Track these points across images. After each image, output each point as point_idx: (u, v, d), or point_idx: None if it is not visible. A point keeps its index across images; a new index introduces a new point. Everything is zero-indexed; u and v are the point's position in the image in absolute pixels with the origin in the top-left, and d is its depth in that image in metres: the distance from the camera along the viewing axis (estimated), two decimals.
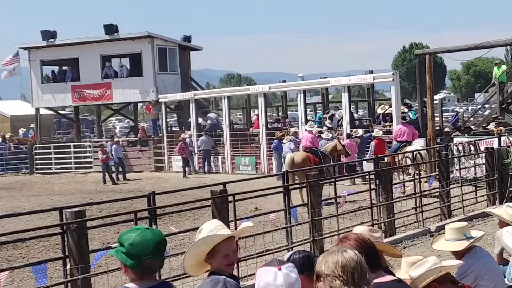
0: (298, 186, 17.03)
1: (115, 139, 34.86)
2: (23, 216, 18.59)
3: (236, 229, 10.64)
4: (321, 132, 26.21)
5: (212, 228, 4.44)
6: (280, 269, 3.69)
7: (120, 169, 33.27)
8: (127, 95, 38.80)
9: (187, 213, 18.23)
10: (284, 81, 37.16)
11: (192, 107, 34.82)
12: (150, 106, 37.11)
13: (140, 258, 3.84)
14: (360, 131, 26.61)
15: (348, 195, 15.32)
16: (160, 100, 36.71)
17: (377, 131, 24.80)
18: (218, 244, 4.40)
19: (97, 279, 10.23)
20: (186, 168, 32.30)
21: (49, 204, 23.88)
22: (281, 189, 13.22)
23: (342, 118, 28.86)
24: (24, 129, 45.02)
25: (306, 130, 23.95)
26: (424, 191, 16.60)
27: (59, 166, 39.15)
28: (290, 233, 12.68)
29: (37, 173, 38.72)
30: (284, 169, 20.01)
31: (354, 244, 4.32)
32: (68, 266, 9.30)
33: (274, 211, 12.96)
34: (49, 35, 40.08)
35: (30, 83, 41.14)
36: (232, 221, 11.39)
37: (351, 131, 26.71)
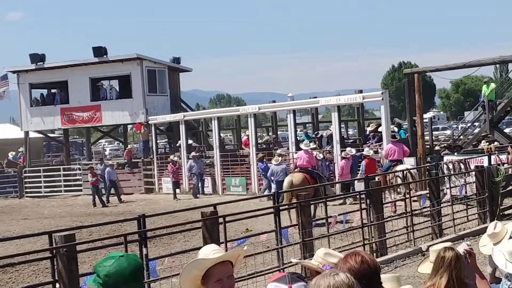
0: (288, 207, 16.97)
1: (109, 162, 34.75)
2: (12, 240, 18.44)
3: (227, 250, 10.60)
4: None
5: (206, 252, 4.36)
6: None
7: (113, 191, 33.15)
8: (117, 117, 38.74)
9: (178, 235, 18.18)
10: (274, 101, 37.21)
11: (182, 128, 34.78)
12: (141, 125, 37.03)
13: None
14: (353, 150, 26.60)
15: (345, 221, 15.24)
16: (150, 122, 36.67)
17: (367, 150, 24.84)
18: (211, 269, 4.30)
19: None
20: (177, 190, 32.19)
21: (39, 228, 23.75)
22: (272, 210, 13.18)
23: (328, 137, 28.97)
24: (14, 153, 44.78)
25: (302, 149, 23.54)
26: (415, 210, 16.59)
27: (48, 189, 38.97)
28: (281, 254, 12.63)
29: (27, 196, 38.55)
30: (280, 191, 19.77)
31: (359, 264, 4.23)
32: None
33: (265, 232, 12.91)
34: (37, 58, 40.06)
35: (19, 107, 41.02)
36: (222, 242, 11.34)
37: (342, 150, 26.71)
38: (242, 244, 11.78)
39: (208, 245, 4.65)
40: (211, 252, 4.36)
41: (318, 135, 30.99)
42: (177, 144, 35.85)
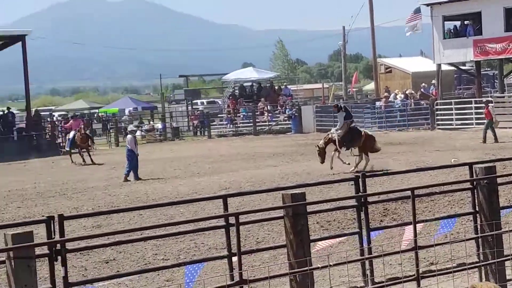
0: None
1: None
2: (427, 171, 18.94)
3: None
4: None
5: None
6: None
7: None
8: None
9: None
10: None
11: None
12: None
13: None
14: None
15: None
16: None
17: None
18: None
19: (505, 237, 9.92)
20: None
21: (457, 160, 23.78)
22: None
23: None
24: (425, 85, 45.77)
25: None
26: None
27: (460, 122, 39.14)
28: None
29: (438, 128, 39.19)
30: None
31: None
32: (479, 221, 9.26)
33: None
34: None
35: (432, 39, 41.47)
36: None
37: None
38: None
39: None
40: None
41: None
42: None
